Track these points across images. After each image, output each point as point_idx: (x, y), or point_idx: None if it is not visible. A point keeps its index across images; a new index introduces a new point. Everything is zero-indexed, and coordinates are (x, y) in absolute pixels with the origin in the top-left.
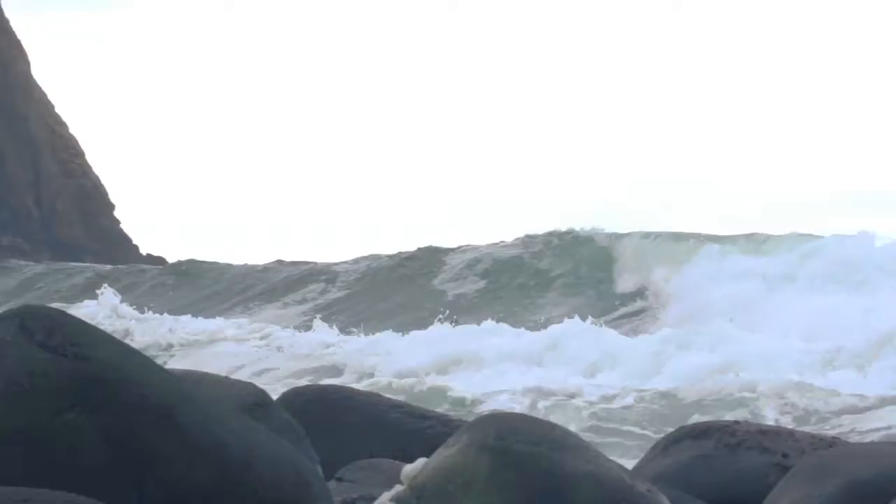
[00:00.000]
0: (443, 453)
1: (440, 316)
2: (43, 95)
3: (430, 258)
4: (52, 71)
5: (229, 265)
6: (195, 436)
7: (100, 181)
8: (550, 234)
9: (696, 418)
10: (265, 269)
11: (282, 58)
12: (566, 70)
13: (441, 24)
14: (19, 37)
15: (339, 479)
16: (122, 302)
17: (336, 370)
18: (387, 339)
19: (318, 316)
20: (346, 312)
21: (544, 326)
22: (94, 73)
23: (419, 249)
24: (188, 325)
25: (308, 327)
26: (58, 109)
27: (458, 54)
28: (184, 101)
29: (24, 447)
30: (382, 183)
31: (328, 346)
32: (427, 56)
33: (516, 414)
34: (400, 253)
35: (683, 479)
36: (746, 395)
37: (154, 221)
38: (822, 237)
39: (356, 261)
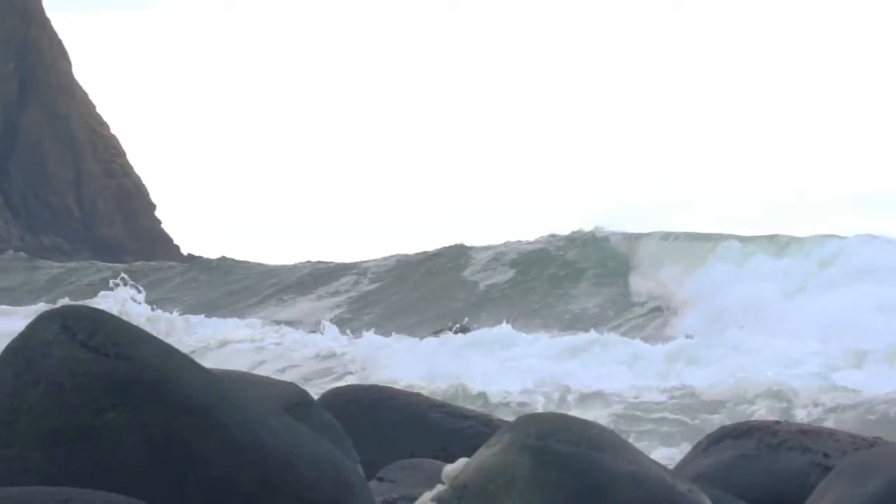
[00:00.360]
0: (484, 453)
1: (450, 323)
2: (84, 95)
3: (457, 254)
4: (93, 71)
5: (259, 263)
6: (236, 436)
7: (141, 181)
8: (574, 233)
9: (720, 420)
10: (296, 266)
11: (316, 60)
12: (582, 73)
13: (469, 24)
14: (60, 37)
15: (380, 479)
16: (134, 300)
17: (343, 375)
18: (395, 343)
19: (343, 310)
20: (380, 305)
21: (579, 319)
22: (135, 72)
23: (445, 248)
24: (202, 326)
25: (337, 323)
26: (99, 109)
27: (479, 57)
28: (224, 100)
29: (65, 447)
30: (400, 186)
31: (334, 351)
32: (449, 61)
33: (557, 414)
34: (425, 251)
35: (724, 479)
36: (775, 393)
37: (196, 222)
38: (845, 237)
39: (384, 258)
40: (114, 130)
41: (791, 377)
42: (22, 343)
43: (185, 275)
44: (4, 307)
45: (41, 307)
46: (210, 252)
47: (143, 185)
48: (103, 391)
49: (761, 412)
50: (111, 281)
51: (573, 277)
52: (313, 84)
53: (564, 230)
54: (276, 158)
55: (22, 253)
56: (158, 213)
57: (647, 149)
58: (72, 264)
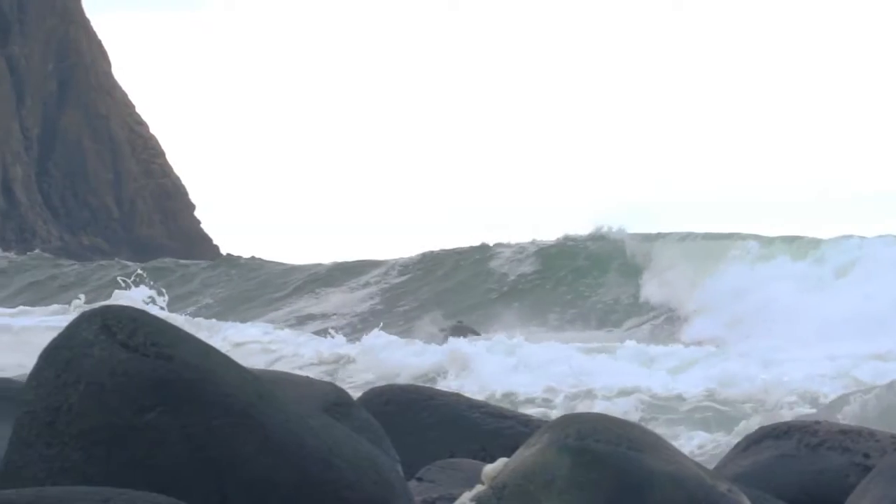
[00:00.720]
0: (523, 453)
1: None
2: (123, 95)
3: (482, 249)
4: (132, 71)
5: (279, 263)
6: (276, 435)
7: (180, 181)
8: (594, 233)
9: (746, 424)
10: (319, 264)
11: (350, 64)
12: (598, 73)
13: (497, 28)
14: (100, 37)
15: (420, 479)
16: (152, 299)
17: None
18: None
19: (373, 302)
20: (410, 296)
21: (599, 319)
22: (174, 72)
23: (470, 247)
24: (212, 329)
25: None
26: (138, 109)
27: (500, 63)
28: (262, 101)
29: (105, 447)
30: (425, 186)
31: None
32: (472, 68)
33: (597, 414)
34: (455, 248)
35: (764, 479)
36: (804, 394)
37: (236, 222)
38: (867, 238)
39: (409, 257)
40: (153, 130)
41: (819, 378)
42: (62, 343)
43: (214, 269)
44: (24, 308)
45: (55, 308)
46: (249, 252)
47: (182, 185)
48: (143, 391)
49: (791, 412)
50: (119, 278)
51: (593, 277)
52: (348, 87)
53: (585, 229)
54: (312, 158)
55: (47, 254)
56: (198, 213)
57: (670, 149)
58: (94, 264)
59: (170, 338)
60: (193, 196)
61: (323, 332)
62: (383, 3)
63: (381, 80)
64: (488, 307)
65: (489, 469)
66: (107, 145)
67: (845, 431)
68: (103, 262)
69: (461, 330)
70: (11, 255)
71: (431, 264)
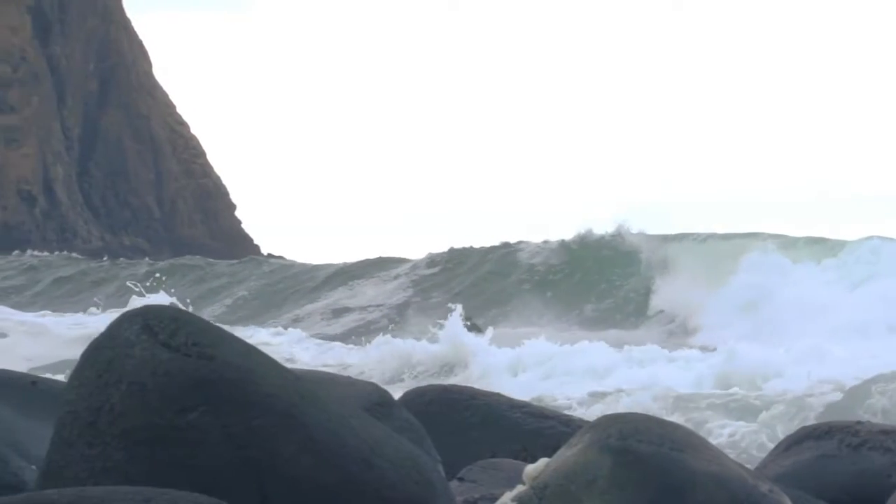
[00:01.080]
0: (565, 453)
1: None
2: (164, 95)
3: (503, 247)
4: (173, 71)
5: (300, 262)
6: (318, 435)
7: (220, 181)
8: (613, 233)
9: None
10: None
11: (389, 70)
12: (615, 75)
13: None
14: (141, 37)
15: (461, 479)
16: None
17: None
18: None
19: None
20: (441, 288)
21: (616, 319)
22: (214, 72)
23: (492, 246)
24: None
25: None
26: (179, 109)
27: (518, 68)
28: (301, 101)
29: (146, 446)
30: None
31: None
32: (483, 68)
33: (638, 414)
34: (483, 246)
35: (805, 479)
36: (844, 393)
37: (279, 222)
38: (889, 239)
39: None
40: (193, 130)
41: (850, 377)
42: (104, 343)
43: (241, 266)
44: (44, 312)
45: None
46: (290, 252)
47: (222, 185)
48: (185, 391)
49: (830, 412)
50: (129, 283)
51: (619, 274)
52: (388, 90)
53: (606, 229)
54: (353, 159)
55: (75, 253)
56: (238, 213)
57: (669, 149)
58: (121, 261)
59: (211, 337)
60: (234, 196)
61: (346, 332)
62: (417, 10)
63: (412, 87)
64: (511, 303)
65: (530, 469)
66: (148, 145)
67: (887, 431)
68: (131, 261)
69: (471, 329)
70: (44, 253)
71: (459, 255)
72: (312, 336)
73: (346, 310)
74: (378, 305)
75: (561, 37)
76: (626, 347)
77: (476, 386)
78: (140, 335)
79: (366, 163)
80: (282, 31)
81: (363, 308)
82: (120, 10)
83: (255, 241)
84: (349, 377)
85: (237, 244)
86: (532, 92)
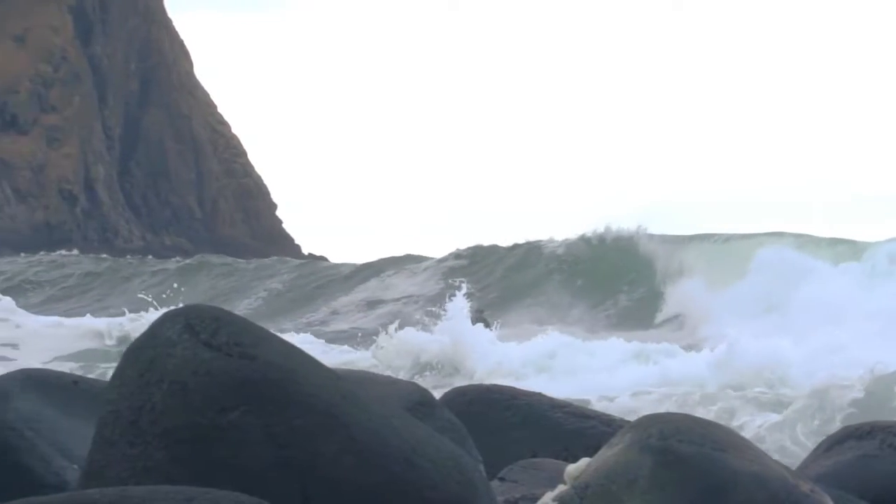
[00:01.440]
0: (606, 453)
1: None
2: (205, 95)
3: (525, 244)
4: (213, 71)
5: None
6: (359, 435)
7: (261, 181)
8: (627, 232)
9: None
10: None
11: (430, 70)
12: (628, 75)
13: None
14: (182, 37)
15: (502, 479)
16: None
17: None
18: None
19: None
20: (472, 276)
21: (633, 321)
22: (255, 72)
23: (515, 245)
24: None
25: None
26: (220, 109)
27: (503, 74)
28: (341, 100)
29: (188, 446)
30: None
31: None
32: (503, 69)
33: (680, 414)
34: (506, 245)
35: (846, 479)
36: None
37: (320, 221)
38: None
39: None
40: (234, 130)
41: (871, 375)
42: (145, 342)
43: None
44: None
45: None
46: (331, 252)
47: (263, 185)
48: (226, 390)
49: (852, 409)
50: (140, 295)
51: (624, 278)
52: (429, 91)
53: (622, 228)
54: (392, 160)
55: (104, 255)
56: (280, 213)
57: (669, 150)
58: (150, 259)
59: (253, 337)
60: (275, 195)
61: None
62: (448, 17)
63: (438, 93)
64: (525, 300)
65: (571, 469)
66: (189, 145)
67: None
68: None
69: (480, 321)
70: (74, 252)
71: (485, 250)
72: (329, 337)
73: (367, 307)
74: (407, 297)
75: (586, 39)
76: (641, 344)
77: (478, 382)
78: (182, 334)
79: (395, 163)
80: (321, 32)
81: (377, 305)
82: (161, 10)
83: (296, 241)
84: (390, 377)
85: (277, 244)
86: (552, 96)
